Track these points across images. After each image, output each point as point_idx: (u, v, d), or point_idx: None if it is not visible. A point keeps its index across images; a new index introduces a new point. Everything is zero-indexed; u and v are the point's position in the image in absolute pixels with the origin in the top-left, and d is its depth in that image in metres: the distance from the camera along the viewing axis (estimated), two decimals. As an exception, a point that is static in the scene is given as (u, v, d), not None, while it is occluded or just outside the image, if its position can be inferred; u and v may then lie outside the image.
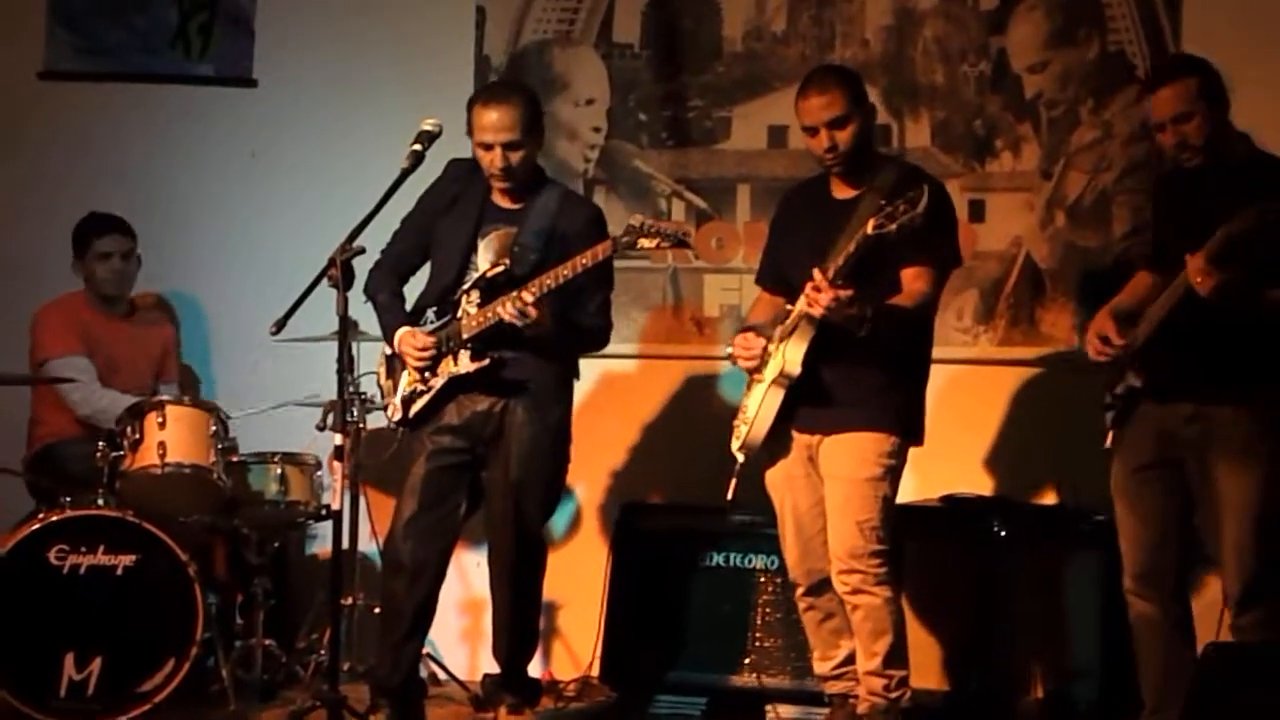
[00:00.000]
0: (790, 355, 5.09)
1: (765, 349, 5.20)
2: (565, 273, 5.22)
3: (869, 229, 4.88)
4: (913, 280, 5.10)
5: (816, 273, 4.93)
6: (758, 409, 5.17)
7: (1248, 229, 4.58)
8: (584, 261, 5.22)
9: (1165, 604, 4.97)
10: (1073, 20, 6.37)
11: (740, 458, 5.28)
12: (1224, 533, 4.83)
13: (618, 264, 5.53)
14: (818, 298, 4.91)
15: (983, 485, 6.13)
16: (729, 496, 5.32)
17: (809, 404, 5.15)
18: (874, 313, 4.97)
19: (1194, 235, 4.74)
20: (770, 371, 5.16)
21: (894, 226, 4.86)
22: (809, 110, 5.17)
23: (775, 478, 5.30)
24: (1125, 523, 5.02)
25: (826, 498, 5.18)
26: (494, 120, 5.36)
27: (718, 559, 6.01)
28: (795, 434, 5.22)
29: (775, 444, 5.24)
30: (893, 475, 5.15)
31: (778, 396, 5.15)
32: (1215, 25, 6.12)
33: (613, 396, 6.54)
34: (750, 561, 5.96)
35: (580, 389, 5.64)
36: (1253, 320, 4.76)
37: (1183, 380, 4.87)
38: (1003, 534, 5.73)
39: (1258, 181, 4.78)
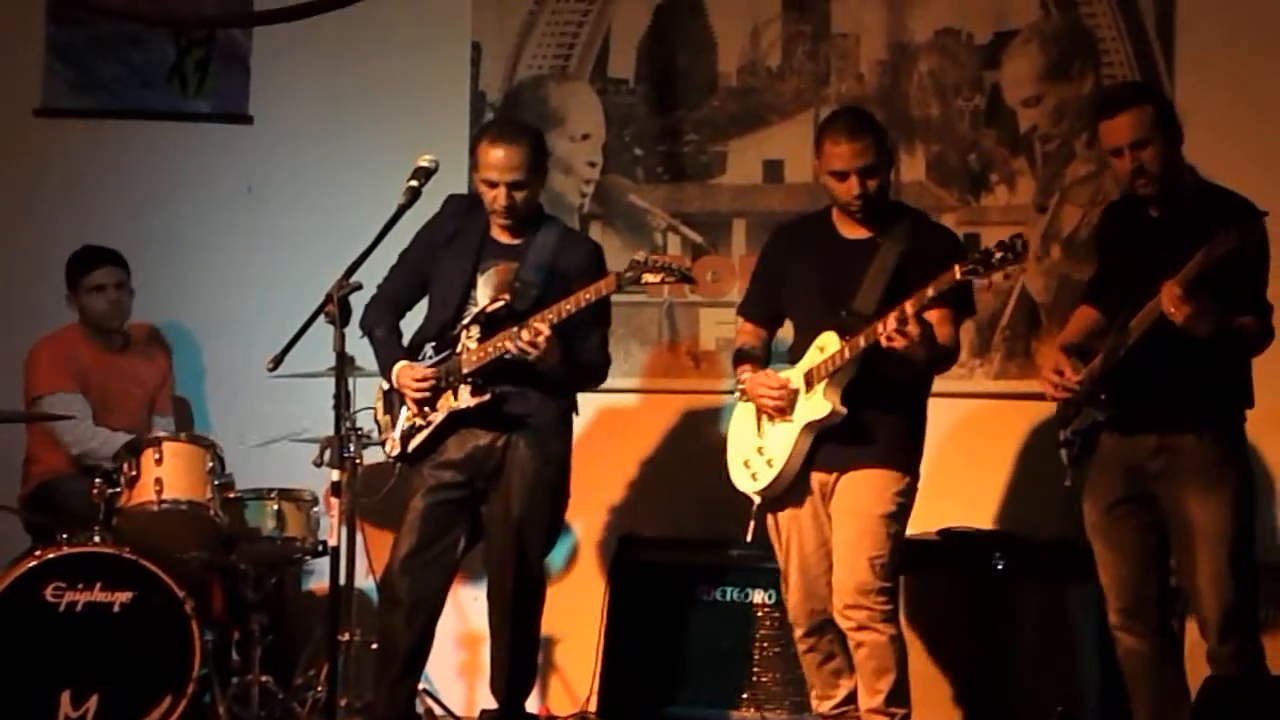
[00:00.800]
0: (832, 396, 5.10)
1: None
2: (569, 307, 5.24)
3: (958, 274, 4.84)
4: (938, 324, 5.09)
5: (907, 306, 4.89)
6: (790, 452, 5.17)
7: (1228, 252, 4.55)
8: (588, 296, 5.23)
9: (1151, 637, 4.96)
10: (1066, 54, 6.39)
11: (758, 500, 5.29)
12: (1199, 563, 4.81)
13: (614, 298, 5.54)
14: (909, 331, 4.89)
15: (979, 518, 6.12)
16: (749, 538, 5.34)
17: (829, 443, 5.16)
18: (932, 347, 5.01)
19: (1148, 267, 4.73)
20: (805, 413, 5.15)
21: (988, 274, 4.85)
22: (842, 155, 5.15)
23: (782, 519, 5.30)
24: (1105, 561, 5.00)
25: (836, 533, 5.18)
26: (501, 159, 5.38)
27: (715, 593, 6.00)
28: (812, 474, 5.22)
29: (788, 484, 5.25)
30: (904, 514, 5.17)
31: (810, 439, 5.16)
32: (1208, 57, 6.15)
33: (610, 431, 6.53)
34: (748, 596, 5.95)
35: (578, 423, 5.64)
36: (1218, 347, 4.74)
37: (1147, 412, 4.86)
38: (1000, 567, 5.73)
39: (1210, 211, 4.76)
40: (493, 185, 5.41)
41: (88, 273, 6.38)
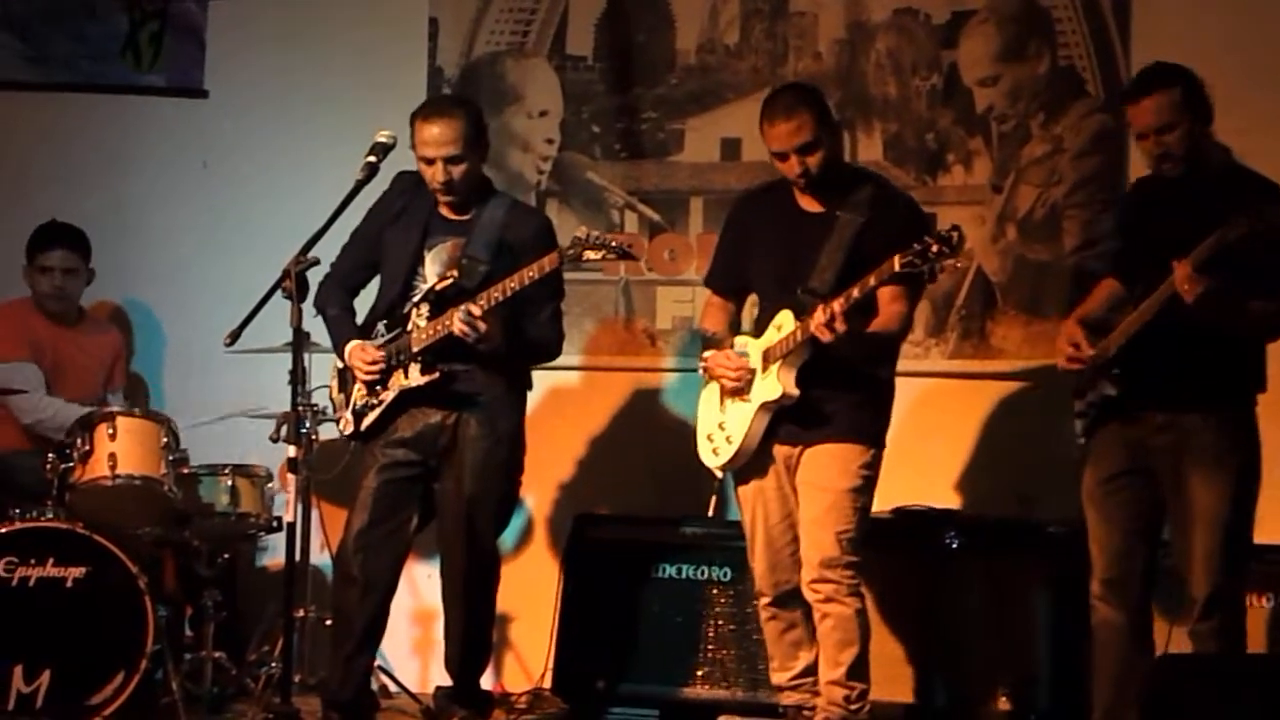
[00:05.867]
0: (785, 378, 5.09)
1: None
2: (513, 285, 5.22)
3: (897, 266, 4.81)
4: (891, 301, 5.10)
5: (835, 305, 4.90)
6: (746, 430, 5.18)
7: (1241, 236, 4.59)
8: (531, 274, 5.22)
9: (1130, 612, 4.98)
10: (1023, 35, 6.40)
11: (719, 475, 5.33)
12: (1194, 540, 4.85)
13: (570, 276, 5.54)
14: (836, 329, 4.90)
15: (933, 497, 6.13)
16: (710, 513, 5.42)
17: (790, 418, 5.16)
18: (862, 342, 5.02)
19: (1171, 244, 4.75)
20: (760, 394, 5.15)
21: (926, 268, 4.81)
22: (777, 137, 5.14)
23: (747, 492, 5.32)
24: (1096, 530, 5.03)
25: (802, 507, 5.19)
26: (435, 135, 5.37)
27: (670, 570, 5.99)
28: (775, 447, 5.23)
29: (751, 458, 5.25)
30: (870, 486, 5.19)
31: (767, 418, 5.17)
32: (1164, 40, 6.14)
33: (564, 408, 6.53)
34: (702, 573, 5.95)
35: (532, 400, 5.64)
36: (1230, 331, 4.78)
37: (1156, 389, 4.88)
38: (954, 546, 5.75)
39: (1235, 193, 4.79)
40: (430, 162, 5.40)
41: (41, 251, 6.33)
